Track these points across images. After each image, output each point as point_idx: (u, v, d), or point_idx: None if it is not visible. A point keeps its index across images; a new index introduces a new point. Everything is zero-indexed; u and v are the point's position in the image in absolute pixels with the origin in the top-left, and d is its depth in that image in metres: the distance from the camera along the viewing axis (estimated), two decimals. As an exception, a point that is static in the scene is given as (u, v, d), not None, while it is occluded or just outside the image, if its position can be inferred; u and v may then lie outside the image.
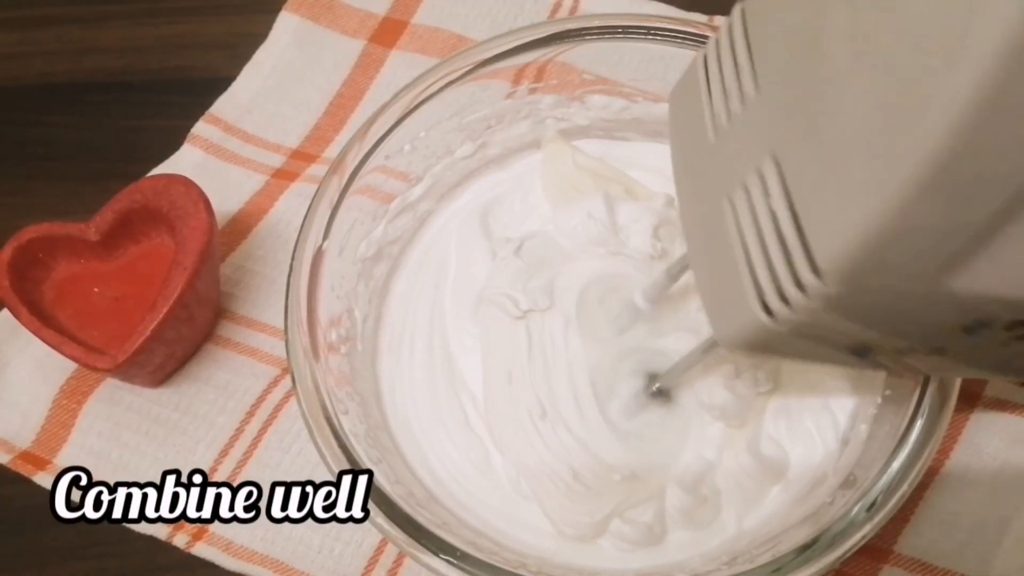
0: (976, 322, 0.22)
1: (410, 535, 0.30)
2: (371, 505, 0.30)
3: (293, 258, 0.35)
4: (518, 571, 0.30)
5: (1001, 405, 0.37)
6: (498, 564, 0.30)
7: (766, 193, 0.23)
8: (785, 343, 0.24)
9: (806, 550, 0.29)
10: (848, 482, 0.31)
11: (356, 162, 0.36)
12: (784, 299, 0.22)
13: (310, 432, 0.32)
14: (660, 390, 0.35)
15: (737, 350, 0.26)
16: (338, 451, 0.31)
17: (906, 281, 0.20)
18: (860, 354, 0.25)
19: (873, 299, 0.21)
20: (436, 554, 0.30)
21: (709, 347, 0.32)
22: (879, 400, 0.33)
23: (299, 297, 0.34)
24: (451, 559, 0.29)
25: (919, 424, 0.30)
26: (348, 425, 0.33)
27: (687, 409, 0.35)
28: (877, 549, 0.35)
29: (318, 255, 0.35)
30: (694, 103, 0.27)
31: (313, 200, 0.36)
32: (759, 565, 0.29)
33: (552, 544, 0.34)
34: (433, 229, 0.41)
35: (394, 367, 0.38)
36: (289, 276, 0.35)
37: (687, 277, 0.34)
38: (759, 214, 0.23)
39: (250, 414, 0.40)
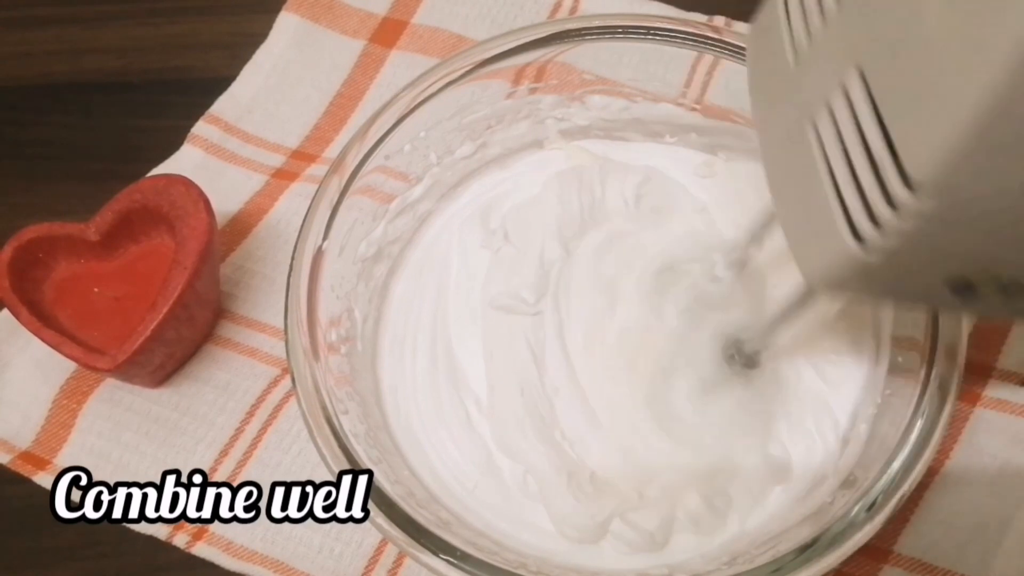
0: None
1: (410, 535, 0.30)
2: (371, 505, 0.30)
3: (293, 258, 0.35)
4: (518, 571, 0.30)
5: (1001, 405, 0.37)
6: (498, 564, 0.30)
7: (852, 108, 0.22)
8: (878, 277, 0.23)
9: (806, 550, 0.29)
10: (848, 482, 0.31)
11: (356, 162, 0.36)
12: (876, 221, 0.21)
13: (310, 432, 0.32)
14: (747, 358, 0.33)
15: (826, 289, 0.24)
16: (338, 451, 0.31)
17: (1006, 194, 0.19)
18: (961, 292, 0.23)
19: (971, 216, 0.20)
20: (436, 554, 0.30)
21: (804, 298, 0.30)
22: (879, 400, 0.34)
23: (299, 297, 0.34)
24: (451, 559, 0.30)
25: (919, 424, 0.30)
26: (348, 425, 0.33)
27: (777, 384, 0.34)
28: (877, 549, 0.35)
29: (318, 255, 0.35)
30: (773, 33, 0.26)
31: (313, 200, 0.36)
32: (759, 565, 0.29)
33: (553, 545, 0.34)
34: (433, 229, 0.41)
35: (395, 367, 0.38)
36: (289, 276, 0.35)
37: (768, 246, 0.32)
38: (845, 132, 0.22)
39: (250, 414, 0.40)
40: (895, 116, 0.21)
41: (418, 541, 0.30)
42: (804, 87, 0.24)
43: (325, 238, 0.35)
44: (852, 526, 0.29)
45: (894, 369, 0.34)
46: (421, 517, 0.31)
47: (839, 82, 0.22)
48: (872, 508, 0.29)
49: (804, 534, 0.29)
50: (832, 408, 0.35)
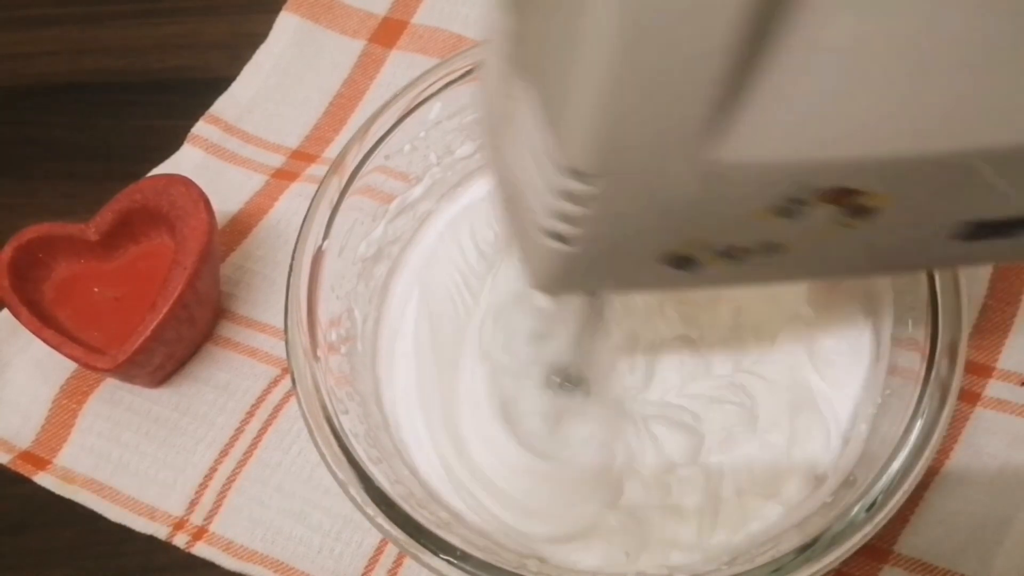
0: (785, 201, 0.21)
1: (410, 535, 0.30)
2: (371, 505, 0.30)
3: (293, 258, 0.35)
4: (519, 571, 0.30)
5: (1001, 405, 0.37)
6: (499, 564, 0.30)
7: (521, 112, 0.22)
8: (592, 270, 0.24)
9: (806, 550, 0.29)
10: (848, 482, 0.31)
11: (356, 162, 0.36)
12: (562, 216, 0.22)
13: (310, 432, 0.32)
14: (567, 382, 0.35)
15: (553, 292, 0.25)
16: (338, 451, 0.31)
17: (667, 162, 0.20)
18: (682, 266, 0.24)
19: (647, 190, 0.21)
20: (436, 554, 0.30)
21: (589, 314, 0.31)
22: (879, 400, 0.34)
23: (299, 297, 0.34)
24: (451, 559, 0.29)
25: (919, 424, 0.30)
26: (348, 425, 0.33)
27: (609, 400, 0.35)
28: (877, 549, 0.35)
29: (318, 255, 0.35)
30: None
31: (313, 200, 0.36)
32: (759, 565, 0.29)
33: (551, 545, 0.34)
34: (433, 229, 0.41)
35: (394, 367, 0.38)
36: (289, 276, 0.35)
37: None
38: (526, 136, 0.22)
39: (250, 414, 0.40)
40: (549, 112, 0.21)
41: (418, 541, 0.30)
42: (500, 94, 0.24)
43: (325, 238, 0.35)
44: (852, 526, 0.29)
45: (894, 369, 0.34)
46: (421, 517, 0.31)
47: (515, 88, 0.22)
48: (872, 508, 0.29)
49: (804, 534, 0.29)
50: (833, 407, 0.35)
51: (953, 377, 0.31)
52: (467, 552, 0.30)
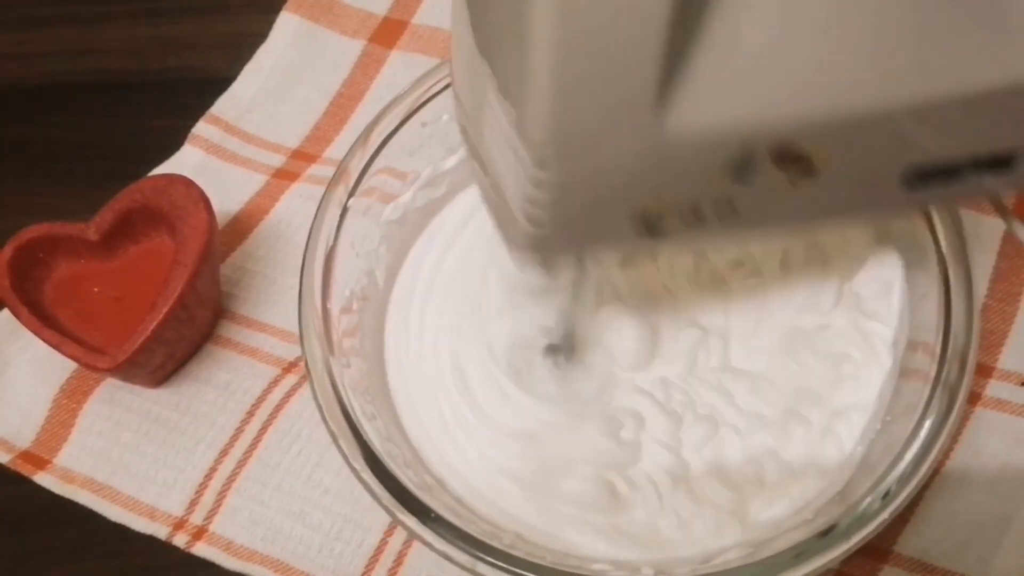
0: (736, 163, 0.23)
1: (393, 494, 0.31)
2: (360, 460, 0.31)
3: (319, 208, 0.35)
4: (490, 541, 0.30)
5: (1001, 405, 0.37)
6: (474, 534, 0.30)
7: (489, 101, 0.24)
8: (567, 237, 0.25)
9: (828, 533, 0.29)
10: (862, 472, 0.31)
11: (396, 122, 0.37)
12: (529, 200, 0.23)
13: (311, 380, 0.33)
14: (556, 348, 0.36)
15: (525, 250, 0.26)
16: (335, 404, 0.32)
17: (621, 131, 0.21)
18: (650, 229, 0.25)
19: (605, 160, 0.22)
20: (415, 515, 0.30)
21: (576, 285, 0.32)
22: (891, 396, 0.34)
23: (317, 251, 0.35)
24: (425, 521, 0.30)
25: (930, 420, 0.30)
26: (349, 380, 0.33)
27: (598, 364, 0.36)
28: (877, 549, 0.35)
29: (344, 212, 0.36)
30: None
31: (347, 155, 0.36)
32: (781, 551, 0.29)
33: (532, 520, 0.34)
34: (459, 201, 0.41)
35: (399, 326, 0.38)
36: (312, 228, 0.35)
37: None
38: (492, 124, 0.24)
39: (250, 414, 0.40)
40: (509, 94, 0.23)
41: (400, 500, 0.30)
42: (474, 77, 0.26)
43: (351, 196, 0.36)
44: (867, 515, 0.29)
45: (906, 373, 0.34)
46: (406, 478, 0.31)
47: (488, 74, 0.24)
48: (887, 496, 0.29)
49: (820, 523, 0.30)
50: (851, 402, 0.35)
51: (964, 377, 0.31)
52: (442, 516, 0.30)
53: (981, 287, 0.39)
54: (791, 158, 0.23)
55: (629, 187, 0.23)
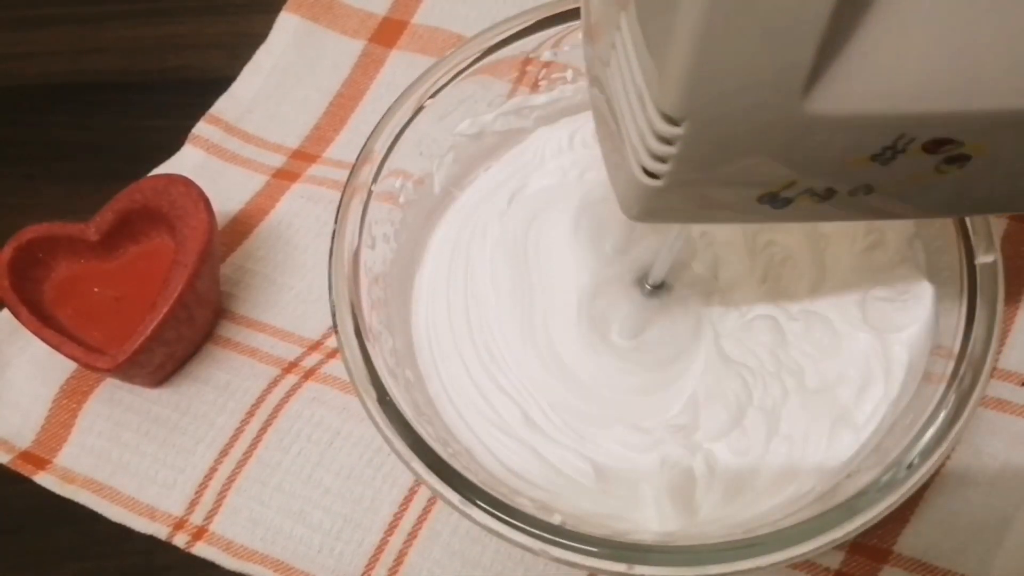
0: (884, 149, 0.22)
1: (413, 450, 0.31)
2: (384, 419, 0.31)
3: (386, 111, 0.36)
4: (517, 505, 0.30)
5: (1001, 405, 0.37)
6: (501, 498, 0.30)
7: (624, 49, 0.23)
8: (684, 202, 0.24)
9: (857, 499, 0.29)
10: (880, 452, 0.32)
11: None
12: (654, 155, 0.22)
13: (340, 349, 0.33)
14: (654, 287, 0.36)
15: (642, 219, 0.26)
16: (364, 372, 0.32)
17: (764, 110, 0.20)
18: (773, 203, 0.24)
19: (737, 133, 0.21)
20: (430, 468, 0.30)
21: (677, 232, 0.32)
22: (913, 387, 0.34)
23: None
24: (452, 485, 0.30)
25: (950, 404, 0.31)
26: (381, 348, 0.33)
27: (692, 301, 0.36)
28: (877, 549, 0.35)
29: (419, 111, 0.37)
30: None
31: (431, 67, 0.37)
32: (805, 519, 0.29)
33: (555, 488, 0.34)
34: (534, 140, 0.41)
35: (431, 277, 0.39)
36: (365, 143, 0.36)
37: None
38: (623, 72, 0.23)
39: (250, 414, 0.40)
40: (645, 55, 0.22)
41: (416, 452, 0.30)
42: (600, 30, 0.25)
43: (432, 96, 0.37)
44: (893, 482, 0.30)
45: (928, 376, 0.34)
46: (439, 447, 0.31)
47: (616, 26, 0.23)
48: (911, 467, 0.30)
49: (848, 491, 0.30)
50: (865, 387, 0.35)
51: (980, 378, 0.31)
52: (467, 478, 0.30)
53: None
54: (944, 148, 0.22)
55: (762, 164, 0.22)
